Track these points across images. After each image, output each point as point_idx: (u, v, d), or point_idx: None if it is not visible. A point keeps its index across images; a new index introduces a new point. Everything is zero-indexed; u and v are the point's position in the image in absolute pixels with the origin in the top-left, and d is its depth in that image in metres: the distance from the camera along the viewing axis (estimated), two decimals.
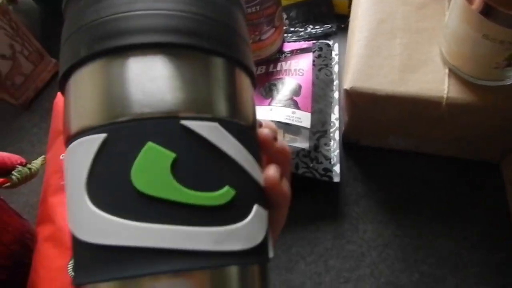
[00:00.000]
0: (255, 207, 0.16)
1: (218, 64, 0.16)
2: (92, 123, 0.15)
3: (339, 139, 0.51)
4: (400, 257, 0.46)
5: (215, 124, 0.15)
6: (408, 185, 0.49)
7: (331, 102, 0.53)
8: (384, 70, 0.41)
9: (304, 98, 0.52)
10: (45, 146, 0.59)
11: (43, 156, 0.43)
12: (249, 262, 0.15)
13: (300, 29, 0.61)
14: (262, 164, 0.19)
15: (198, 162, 0.15)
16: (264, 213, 0.17)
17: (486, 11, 0.33)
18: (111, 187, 0.15)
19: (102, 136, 0.15)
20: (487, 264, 0.44)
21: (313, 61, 0.55)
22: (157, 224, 0.14)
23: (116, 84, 0.15)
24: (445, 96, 0.40)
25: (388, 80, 0.41)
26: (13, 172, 0.40)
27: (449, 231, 0.46)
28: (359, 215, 0.48)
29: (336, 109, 0.53)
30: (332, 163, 0.49)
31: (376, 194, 0.49)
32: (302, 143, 0.48)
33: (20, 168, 0.41)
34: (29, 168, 0.41)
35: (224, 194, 0.15)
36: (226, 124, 0.16)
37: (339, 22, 0.60)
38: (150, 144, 0.14)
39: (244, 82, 0.18)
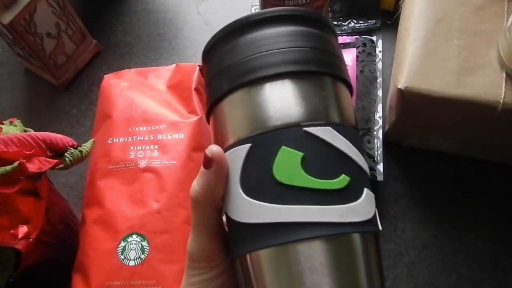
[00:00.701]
0: (365, 190, 0.21)
1: (327, 82, 0.22)
2: (240, 137, 0.21)
3: (382, 138, 0.50)
4: (439, 258, 0.46)
5: (329, 128, 0.20)
6: (448, 187, 0.49)
7: (375, 100, 0.53)
8: (440, 71, 0.41)
9: None
10: (83, 128, 0.60)
11: (92, 140, 0.43)
12: (368, 230, 0.20)
13: (343, 23, 0.60)
14: (364, 156, 0.23)
15: (320, 157, 0.20)
16: (371, 194, 0.21)
17: None
18: (258, 181, 0.20)
19: (247, 145, 0.20)
20: None
21: (357, 56, 0.55)
22: (294, 205, 0.19)
23: (254, 106, 0.21)
24: (501, 101, 0.40)
25: (445, 82, 0.41)
26: (65, 154, 0.41)
27: (489, 235, 0.46)
28: (398, 215, 0.49)
29: (379, 107, 0.52)
30: (376, 161, 0.49)
31: (415, 194, 0.49)
32: None
33: (72, 150, 0.41)
34: (80, 151, 0.41)
35: (341, 180, 0.20)
36: (337, 127, 0.21)
37: (384, 18, 0.59)
38: (284, 147, 0.20)
39: (345, 92, 0.23)
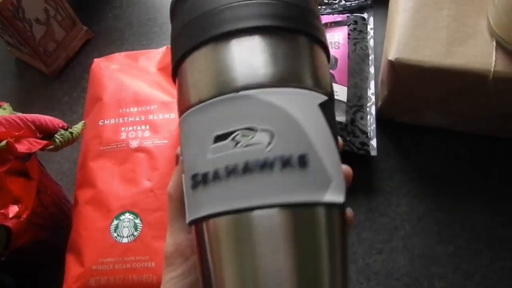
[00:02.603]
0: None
1: (302, 42, 0.20)
2: (201, 97, 0.19)
3: (375, 114, 0.50)
4: (435, 231, 0.46)
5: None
6: (443, 161, 0.49)
7: (367, 77, 0.52)
8: (430, 42, 0.41)
9: (341, 72, 0.51)
10: (75, 115, 0.59)
11: (83, 122, 0.43)
12: None
13: (334, 1, 0.60)
14: (336, 128, 0.21)
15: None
16: None
17: None
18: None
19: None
20: None
21: (348, 34, 0.54)
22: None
23: (218, 65, 0.19)
24: (492, 69, 0.39)
25: (435, 52, 0.40)
26: (56, 136, 0.40)
27: (485, 206, 0.46)
28: (393, 189, 0.48)
29: (372, 84, 0.52)
30: (369, 137, 0.48)
31: (410, 169, 0.49)
32: (339, 117, 0.48)
33: (62, 131, 0.41)
34: (71, 132, 0.41)
35: None
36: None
37: None
38: None
39: (321, 56, 0.21)
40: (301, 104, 0.18)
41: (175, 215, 0.23)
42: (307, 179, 0.17)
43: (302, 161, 0.17)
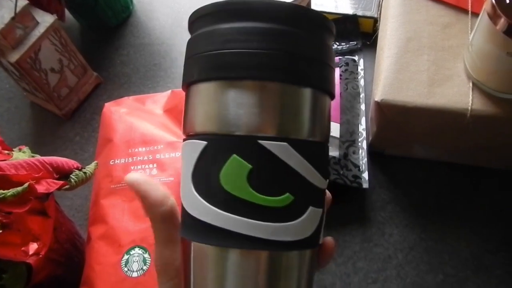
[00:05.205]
0: (310, 209, 0.21)
1: (301, 93, 0.20)
2: (197, 130, 0.21)
3: (367, 148, 0.54)
4: (425, 259, 0.48)
5: (285, 144, 0.20)
6: (432, 191, 0.52)
7: (359, 114, 0.56)
8: (412, 84, 0.45)
9: (333, 109, 0.55)
10: (86, 153, 0.63)
11: (95, 162, 0.47)
12: (296, 249, 0.21)
13: None
14: (327, 171, 0.23)
15: (267, 173, 0.20)
16: (317, 211, 0.22)
17: (510, 31, 0.36)
18: (208, 183, 0.20)
19: (203, 143, 0.20)
20: (509, 266, 0.46)
21: (340, 75, 0.59)
22: (232, 215, 0.20)
23: (217, 104, 0.20)
24: (469, 108, 0.43)
25: (417, 93, 0.44)
26: (71, 176, 0.44)
27: (472, 235, 0.49)
28: (385, 220, 0.51)
29: (363, 120, 0.56)
30: (361, 170, 0.52)
31: (401, 200, 0.52)
32: (332, 152, 0.52)
33: (77, 172, 0.44)
34: (85, 172, 0.45)
35: (284, 199, 0.20)
36: (296, 143, 0.20)
37: (364, 40, 0.63)
38: (234, 156, 0.20)
39: (323, 103, 0.21)
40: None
41: (163, 232, 0.26)
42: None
43: None
